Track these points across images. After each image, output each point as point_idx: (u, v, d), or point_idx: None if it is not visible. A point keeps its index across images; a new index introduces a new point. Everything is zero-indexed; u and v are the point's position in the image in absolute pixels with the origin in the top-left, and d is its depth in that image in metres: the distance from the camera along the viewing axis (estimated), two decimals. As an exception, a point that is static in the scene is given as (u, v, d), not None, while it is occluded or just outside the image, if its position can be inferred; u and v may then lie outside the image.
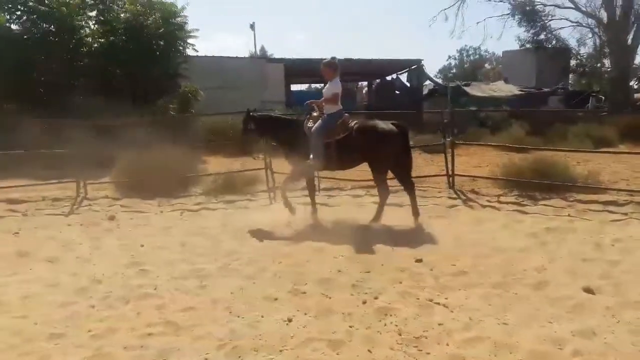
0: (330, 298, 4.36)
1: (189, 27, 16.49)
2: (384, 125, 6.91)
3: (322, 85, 29.59)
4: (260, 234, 6.54)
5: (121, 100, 13.86)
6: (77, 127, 9.53)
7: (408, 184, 7.21)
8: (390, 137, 6.81)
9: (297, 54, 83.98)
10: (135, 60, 14.91)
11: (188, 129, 15.87)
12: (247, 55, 35.46)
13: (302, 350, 3.41)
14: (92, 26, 15.68)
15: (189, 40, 16.63)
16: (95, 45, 15.36)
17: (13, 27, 14.25)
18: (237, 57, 24.00)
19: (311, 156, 6.70)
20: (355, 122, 6.95)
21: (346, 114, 7.02)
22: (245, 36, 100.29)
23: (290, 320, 3.89)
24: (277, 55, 33.61)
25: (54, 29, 14.31)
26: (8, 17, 14.18)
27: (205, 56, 20.93)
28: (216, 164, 12.60)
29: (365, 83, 36.90)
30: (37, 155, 10.72)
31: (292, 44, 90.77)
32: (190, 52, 16.99)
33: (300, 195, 8.93)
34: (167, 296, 4.49)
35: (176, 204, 8.66)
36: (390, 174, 7.23)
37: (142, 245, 6.19)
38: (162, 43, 15.67)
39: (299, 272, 5.03)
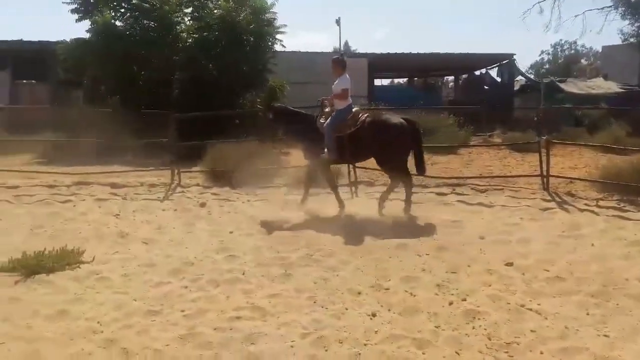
0: (414, 296, 4.28)
1: (277, 23, 16.83)
2: (395, 119, 7.08)
3: (405, 80, 29.07)
4: (340, 227, 6.55)
5: (212, 94, 14.49)
6: (173, 119, 10.04)
7: (406, 181, 7.28)
8: (400, 132, 6.92)
9: (381, 48, 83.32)
10: (227, 55, 15.47)
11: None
12: (331, 50, 35.64)
13: (387, 346, 3.37)
14: (187, 22, 16.44)
15: (278, 36, 16.96)
16: (190, 40, 16.12)
17: (118, 23, 15.29)
18: (322, 52, 24.19)
19: (325, 150, 6.93)
20: (366, 115, 7.11)
21: (356, 108, 7.21)
22: (329, 32, 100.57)
23: (374, 315, 3.87)
24: (360, 50, 33.48)
25: (154, 25, 15.18)
26: (113, 14, 15.24)
27: (292, 51, 21.25)
28: (298, 157, 12.79)
29: (451, 78, 35.85)
30: (136, 144, 11.52)
31: (377, 38, 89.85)
32: (278, 47, 17.36)
33: (382, 191, 8.88)
34: (254, 282, 4.63)
35: (261, 194, 8.90)
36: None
37: (231, 232, 6.43)
38: (252, 38, 16.11)
39: (382, 268, 4.98)
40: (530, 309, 4.03)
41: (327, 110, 7.22)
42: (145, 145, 11.37)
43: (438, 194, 8.72)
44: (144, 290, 4.44)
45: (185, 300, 4.20)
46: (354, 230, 6.36)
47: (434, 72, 32.66)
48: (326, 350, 3.31)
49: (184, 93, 15.23)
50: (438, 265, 5.07)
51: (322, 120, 7.13)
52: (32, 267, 4.81)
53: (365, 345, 3.38)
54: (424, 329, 3.64)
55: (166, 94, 14.86)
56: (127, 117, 12.99)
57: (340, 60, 7.18)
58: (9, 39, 20.41)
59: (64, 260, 5.03)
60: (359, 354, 3.26)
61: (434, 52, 25.26)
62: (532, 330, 3.65)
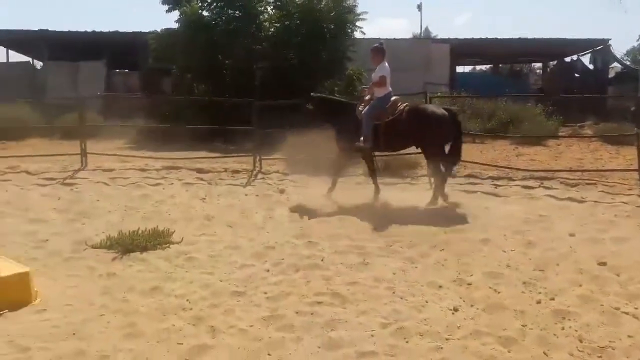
0: (499, 293, 4.13)
1: (358, 10, 16.72)
2: (435, 108, 7.17)
3: (489, 66, 27.80)
4: (419, 218, 6.45)
5: (292, 83, 14.69)
6: (255, 106, 10.30)
7: (449, 169, 7.28)
8: (440, 121, 6.91)
9: (462, 33, 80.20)
10: (307, 43, 15.61)
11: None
12: (410, 37, 34.92)
13: (470, 342, 3.29)
14: (270, 11, 16.74)
15: (358, 23, 16.86)
16: (272, 29, 16.42)
17: (204, 13, 15.87)
18: (402, 38, 23.75)
19: (361, 138, 6.94)
20: (405, 104, 7.13)
21: (396, 97, 7.15)
22: (407, 18, 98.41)
23: (456, 310, 3.78)
24: (441, 36, 32.48)
25: (238, 15, 15.61)
26: (200, 4, 15.84)
27: (372, 38, 21.03)
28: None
29: (539, 65, 33.92)
30: (222, 131, 11.96)
31: (458, 23, 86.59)
32: (358, 35, 17.25)
33: (465, 183, 8.65)
34: (332, 269, 4.68)
35: (339, 183, 8.92)
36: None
37: (312, 219, 6.52)
38: (332, 26, 16.13)
39: (464, 262, 4.85)
40: (627, 313, 3.76)
41: (366, 98, 7.24)
42: (229, 133, 11.80)
43: (524, 187, 8.32)
44: (229, 271, 4.62)
45: (267, 283, 4.32)
46: (434, 223, 6.23)
47: (521, 58, 31.03)
48: (407, 342, 3.28)
49: (265, 81, 15.59)
50: (524, 262, 4.86)
51: (360, 108, 7.17)
52: (127, 245, 5.16)
53: (447, 340, 3.32)
54: (510, 327, 3.50)
55: (248, 82, 15.27)
56: (211, 104, 13.58)
57: (380, 48, 7.15)
58: (105, 30, 21.86)
59: (155, 240, 5.35)
60: (441, 348, 3.20)
61: (520, 37, 24.02)
62: (629, 336, 3.40)
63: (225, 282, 4.34)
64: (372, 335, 3.35)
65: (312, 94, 7.84)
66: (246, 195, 8.08)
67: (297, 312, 3.70)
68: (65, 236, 5.69)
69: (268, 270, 4.64)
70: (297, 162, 9.88)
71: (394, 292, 4.12)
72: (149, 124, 13.81)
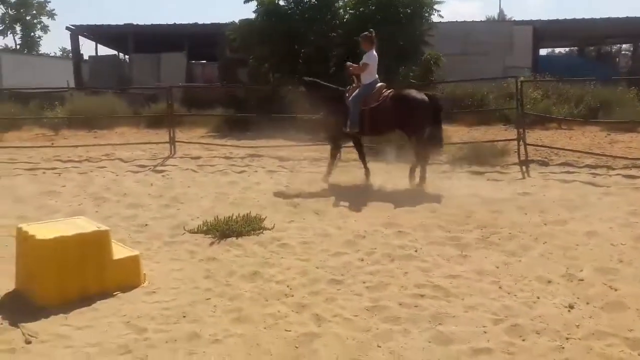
0: (616, 290, 3.82)
1: (436, -8, 16.18)
2: (416, 94, 7.45)
3: (575, 49, 26.01)
4: (512, 208, 6.16)
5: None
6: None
7: (435, 153, 7.83)
8: (421, 106, 7.26)
9: (538, 14, 75.66)
10: (382, 29, 15.31)
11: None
12: (484, 19, 33.46)
13: (593, 342, 3.05)
14: (345, -1, 16.56)
15: (435, 7, 16.34)
16: (347, 17, 16.26)
17: (281, 3, 15.96)
18: (481, 21, 22.78)
19: (348, 122, 7.29)
20: (390, 91, 7.45)
21: (380, 84, 7.48)
22: (477, 1, 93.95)
23: (571, 307, 3.53)
24: (516, 18, 30.83)
25: (314, 3, 15.57)
26: (277, -7, 15.95)
27: (448, 22, 20.35)
28: (455, 133, 12.32)
29: (627, 46, 31.47)
30: (300, 120, 12.00)
31: (533, 3, 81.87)
32: (435, 18, 16.73)
33: (561, 172, 8.17)
34: (429, 260, 4.54)
35: (415, 170, 8.71)
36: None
37: (398, 207, 6.39)
38: (408, 10, 15.73)
39: (571, 256, 4.55)
40: None
41: (354, 85, 7.56)
42: (306, 121, 11.81)
43: (626, 176, 7.72)
44: (323, 258, 4.60)
45: (364, 272, 4.25)
46: (530, 213, 5.92)
47: (610, 39, 28.89)
48: (523, 340, 3.09)
49: (340, 69, 15.48)
50: (638, 257, 4.48)
51: (347, 95, 7.51)
52: (223, 230, 5.28)
53: (567, 339, 3.10)
54: (636, 327, 3.23)
55: (324, 70, 15.23)
56: (287, 93, 13.67)
57: (370, 36, 7.47)
58: (186, 22, 22.61)
59: (249, 225, 5.43)
60: (562, 347, 3.00)
61: (610, 16, 22.32)
62: None
63: (321, 270, 4.32)
64: (485, 332, 3.19)
65: (304, 77, 8.17)
66: (330, 183, 8.04)
67: (400, 304, 3.60)
68: (163, 221, 5.92)
69: (362, 260, 4.57)
70: (377, 149, 9.74)
71: (500, 287, 3.92)
72: (228, 113, 14.13)
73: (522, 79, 11.28)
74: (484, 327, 3.26)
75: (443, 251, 4.77)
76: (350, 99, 7.41)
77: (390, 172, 8.59)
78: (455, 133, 12.17)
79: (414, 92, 7.54)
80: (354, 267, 4.37)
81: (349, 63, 7.83)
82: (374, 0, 15.60)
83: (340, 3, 16.42)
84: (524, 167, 8.46)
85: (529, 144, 9.02)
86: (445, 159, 9.35)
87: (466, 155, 9.09)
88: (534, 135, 10.79)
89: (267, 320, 3.39)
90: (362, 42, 7.54)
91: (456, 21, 21.93)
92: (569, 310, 3.50)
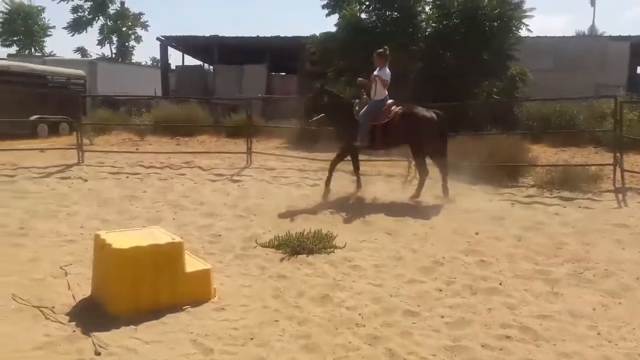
0: None
1: (525, 6, 15.46)
2: (425, 112, 7.69)
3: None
4: (610, 243, 5.58)
5: (449, 84, 14.04)
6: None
7: (443, 167, 7.85)
8: (430, 124, 7.55)
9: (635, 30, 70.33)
10: (466, 43, 14.82)
11: (511, 114, 15.12)
12: (573, 34, 31.56)
13: None
14: (428, 11, 16.22)
15: (524, 20, 15.59)
16: (429, 30, 15.91)
17: (362, 16, 15.90)
18: (573, 36, 21.52)
19: (359, 137, 7.37)
20: (399, 108, 7.60)
21: (390, 100, 7.59)
22: (567, 14, 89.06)
23: (690, 367, 3.04)
24: (608, 33, 28.74)
25: (396, 16, 15.36)
26: (358, 7, 15.90)
27: (538, 36, 19.36)
28: (542, 153, 11.57)
29: None
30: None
31: (627, 17, 76.29)
32: (523, 32, 15.96)
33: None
34: (516, 296, 4.14)
35: (505, 194, 8.21)
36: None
37: (477, 233, 5.99)
38: (495, 24, 15.11)
39: (684, 303, 3.97)
40: None
41: (364, 98, 7.58)
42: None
43: None
44: (397, 285, 4.34)
45: (443, 304, 3.94)
46: (628, 248, 5.34)
47: None
48: (631, 402, 2.68)
49: (419, 83, 15.12)
50: None
51: (357, 109, 7.55)
52: (294, 246, 5.16)
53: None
54: None
55: (403, 84, 14.93)
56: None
57: (385, 54, 7.48)
58: (268, 35, 23.18)
59: (320, 243, 5.27)
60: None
61: None
62: None
63: (395, 298, 4.06)
64: (585, 388, 2.80)
65: (317, 84, 8.00)
66: (402, 201, 7.74)
67: (483, 346, 3.27)
68: (236, 232, 5.90)
69: (440, 290, 4.26)
70: (456, 168, 9.31)
71: (598, 333, 3.47)
72: (304, 125, 14.17)
73: (620, 98, 10.39)
74: (583, 382, 2.87)
75: (531, 286, 4.36)
76: (360, 114, 7.45)
77: (473, 194, 8.17)
78: (541, 154, 11.46)
79: (423, 111, 7.74)
80: (431, 298, 4.07)
81: (360, 79, 7.86)
82: (459, 14, 15.14)
83: (423, 16, 16.11)
84: (620, 195, 7.70)
85: (626, 170, 8.22)
86: (532, 181, 8.76)
87: (555, 179, 8.43)
88: (630, 160, 9.88)
89: (337, 352, 3.18)
90: (377, 59, 7.50)
91: (546, 36, 20.83)
92: (685, 370, 3.01)
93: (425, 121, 7.57)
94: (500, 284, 4.39)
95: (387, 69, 7.50)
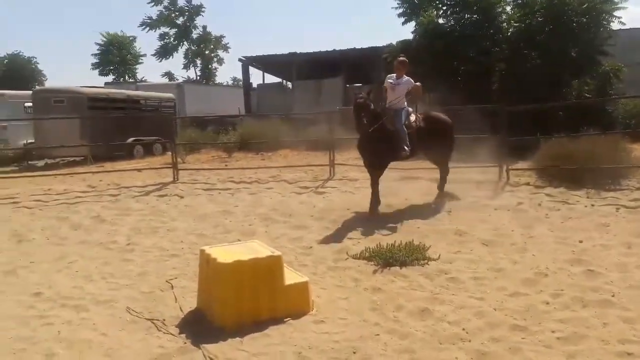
0: None
1: (619, -3, 14.41)
2: (443, 116, 8.09)
3: None
4: None
5: (535, 84, 13.38)
6: (505, 112, 9.54)
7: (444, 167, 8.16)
8: (450, 126, 8.01)
9: None
10: (551, 41, 14.08)
11: (606, 112, 14.13)
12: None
13: None
14: (509, 11, 15.62)
15: (616, 13, 14.54)
16: (511, 30, 15.29)
17: (440, 21, 15.61)
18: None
19: (405, 146, 7.19)
20: (418, 114, 7.72)
21: (409, 108, 7.53)
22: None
23: None
24: None
25: (475, 19, 14.93)
26: (435, 12, 15.64)
27: (633, 28, 17.96)
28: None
29: None
30: (458, 140, 11.45)
31: None
32: (615, 25, 14.88)
33: None
34: (633, 309, 3.82)
35: (608, 198, 7.68)
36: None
37: (581, 241, 5.63)
38: (584, 20, 14.22)
39: None
40: None
41: (387, 105, 7.38)
42: (469, 141, 11.22)
43: None
44: (500, 298, 4.15)
45: (552, 318, 3.71)
46: None
47: None
48: None
49: (503, 85, 14.56)
50: None
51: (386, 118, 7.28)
52: (386, 258, 5.11)
53: None
54: None
55: (485, 87, 14.45)
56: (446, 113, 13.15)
57: (405, 62, 7.45)
58: (344, 47, 23.39)
59: (413, 254, 5.19)
60: None
61: None
62: None
63: (499, 312, 3.88)
64: None
65: (358, 94, 7.18)
66: (496, 209, 7.44)
67: (606, 363, 3.04)
68: (326, 244, 5.95)
69: (547, 303, 4.02)
70: (553, 173, 8.82)
71: None
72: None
73: None
74: None
75: (650, 298, 4.00)
76: (397, 124, 7.23)
77: (568, 199, 7.70)
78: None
79: (441, 115, 8.08)
80: (538, 312, 3.85)
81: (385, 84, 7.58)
82: (543, 12, 14.42)
83: (504, 17, 15.53)
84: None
85: None
86: (637, 183, 8.11)
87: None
88: None
89: (445, 368, 3.09)
90: (398, 67, 7.40)
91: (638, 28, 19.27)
92: None
93: (447, 124, 7.97)
94: (613, 296, 4.08)
95: (405, 77, 7.39)
